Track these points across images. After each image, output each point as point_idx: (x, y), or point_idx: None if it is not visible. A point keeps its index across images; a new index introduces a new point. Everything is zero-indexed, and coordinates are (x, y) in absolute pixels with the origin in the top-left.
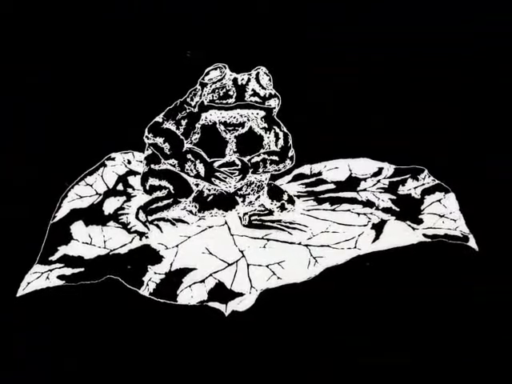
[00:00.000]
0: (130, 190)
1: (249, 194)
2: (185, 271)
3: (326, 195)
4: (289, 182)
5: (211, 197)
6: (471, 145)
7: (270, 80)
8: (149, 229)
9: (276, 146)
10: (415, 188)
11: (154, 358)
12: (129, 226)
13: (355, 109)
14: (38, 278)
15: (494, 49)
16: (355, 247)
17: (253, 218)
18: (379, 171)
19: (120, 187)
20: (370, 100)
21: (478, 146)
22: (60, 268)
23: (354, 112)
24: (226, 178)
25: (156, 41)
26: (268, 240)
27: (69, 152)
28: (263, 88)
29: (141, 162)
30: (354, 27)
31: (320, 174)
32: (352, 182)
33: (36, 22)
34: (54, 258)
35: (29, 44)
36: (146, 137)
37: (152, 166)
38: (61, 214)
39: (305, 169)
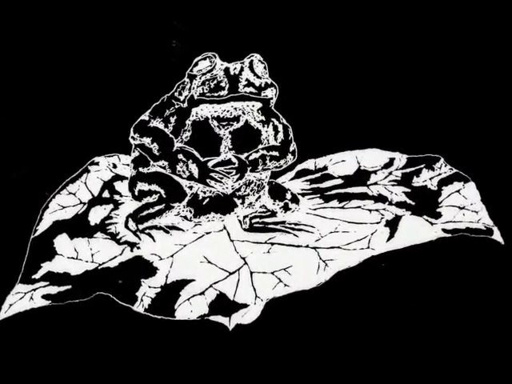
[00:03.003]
0: (117, 197)
1: (248, 194)
2: (182, 283)
3: (334, 192)
4: (292, 179)
5: (207, 200)
6: (490, 127)
7: (265, 68)
8: (140, 238)
9: (275, 140)
10: (431, 179)
11: (153, 380)
12: (118, 237)
13: (361, 95)
14: (21, 299)
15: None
16: (368, 247)
17: (254, 220)
18: (390, 162)
19: (106, 194)
20: (376, 85)
21: (498, 127)
22: (45, 287)
23: (359, 99)
24: (222, 178)
25: (138, 31)
26: (272, 244)
27: (48, 158)
28: (258, 77)
29: (127, 165)
30: (363, 9)
31: (325, 168)
32: (361, 176)
33: (11, 24)
34: (37, 275)
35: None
36: (132, 137)
37: (140, 169)
38: (42, 226)
39: (309, 164)
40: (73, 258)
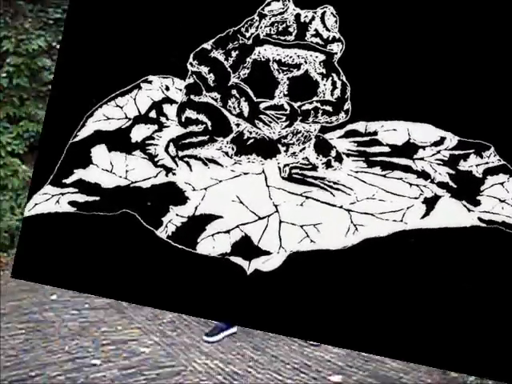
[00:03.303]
0: (163, 119)
1: (293, 143)
2: (210, 218)
3: (379, 158)
4: (340, 137)
5: (251, 140)
6: None
7: (336, 22)
8: (177, 165)
9: (332, 95)
10: (477, 166)
11: (155, 302)
12: (156, 159)
13: (427, 67)
14: (47, 201)
15: None
16: (401, 221)
17: (294, 171)
18: (441, 141)
19: (153, 114)
20: (446, 58)
21: None
22: (73, 193)
23: (425, 71)
24: (271, 122)
25: None
26: (307, 198)
27: (102, 67)
28: (327, 30)
29: (180, 90)
30: None
31: (375, 133)
32: (409, 148)
33: None
34: (68, 180)
35: None
36: (191, 63)
37: (192, 96)
38: (83, 133)
39: (359, 126)
40: (107, 171)
